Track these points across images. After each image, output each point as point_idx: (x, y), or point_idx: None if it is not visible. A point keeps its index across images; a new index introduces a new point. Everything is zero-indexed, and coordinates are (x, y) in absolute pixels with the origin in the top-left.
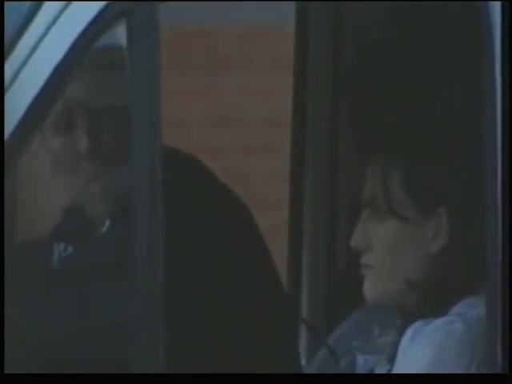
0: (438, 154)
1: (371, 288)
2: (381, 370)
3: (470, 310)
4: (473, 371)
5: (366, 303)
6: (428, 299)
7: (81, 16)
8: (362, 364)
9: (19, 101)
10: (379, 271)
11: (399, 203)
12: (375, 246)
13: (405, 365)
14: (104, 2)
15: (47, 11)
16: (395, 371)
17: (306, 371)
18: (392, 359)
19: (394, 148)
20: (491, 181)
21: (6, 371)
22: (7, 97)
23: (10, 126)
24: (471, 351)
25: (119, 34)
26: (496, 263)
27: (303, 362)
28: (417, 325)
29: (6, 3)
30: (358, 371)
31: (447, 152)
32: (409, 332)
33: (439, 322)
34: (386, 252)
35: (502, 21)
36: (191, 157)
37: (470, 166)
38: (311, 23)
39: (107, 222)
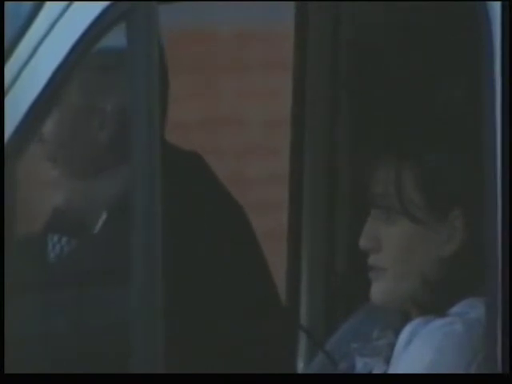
0: (453, 155)
1: (380, 291)
2: (379, 371)
3: (471, 311)
4: (472, 372)
5: (368, 304)
6: (432, 299)
7: (81, 18)
8: (361, 367)
9: (19, 102)
10: (390, 273)
11: (413, 204)
12: (386, 247)
13: (404, 366)
14: (104, 4)
15: (47, 13)
16: (393, 372)
17: None
18: (390, 360)
19: (408, 148)
20: (490, 181)
21: (6, 371)
22: (7, 98)
23: (10, 126)
24: (471, 352)
25: (119, 35)
26: (496, 263)
27: (302, 365)
28: (415, 324)
29: (6, 4)
30: None
31: (462, 153)
32: (406, 331)
33: (439, 322)
34: (398, 254)
35: (502, 21)
36: (194, 154)
37: (484, 167)
38: (310, 24)
39: (105, 221)
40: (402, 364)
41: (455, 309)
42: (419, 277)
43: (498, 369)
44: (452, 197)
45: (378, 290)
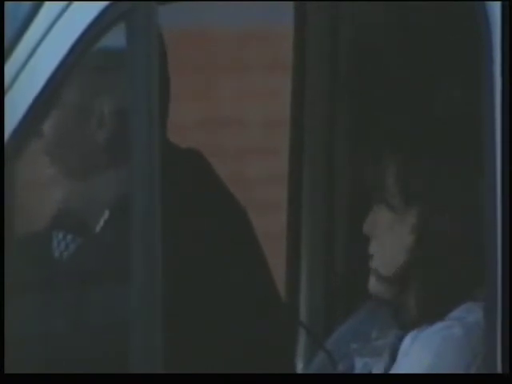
0: (432, 156)
1: (371, 279)
2: (378, 371)
3: (469, 315)
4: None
5: (368, 305)
6: (426, 303)
7: (80, 18)
8: (361, 367)
9: (19, 102)
10: (376, 262)
11: (390, 194)
12: (376, 233)
13: (404, 369)
14: (104, 4)
15: (46, 13)
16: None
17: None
18: (390, 363)
19: (397, 147)
20: (490, 185)
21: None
22: (7, 98)
23: (9, 127)
24: (470, 356)
25: (119, 35)
26: (495, 268)
27: (301, 365)
28: (415, 332)
29: (6, 4)
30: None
31: (442, 154)
32: (408, 338)
33: (437, 326)
34: (382, 241)
35: (502, 21)
36: (195, 152)
37: (466, 169)
38: (309, 24)
39: (105, 221)
40: (403, 367)
41: (454, 313)
42: (381, 265)
43: (498, 371)
44: (418, 194)
45: (369, 281)
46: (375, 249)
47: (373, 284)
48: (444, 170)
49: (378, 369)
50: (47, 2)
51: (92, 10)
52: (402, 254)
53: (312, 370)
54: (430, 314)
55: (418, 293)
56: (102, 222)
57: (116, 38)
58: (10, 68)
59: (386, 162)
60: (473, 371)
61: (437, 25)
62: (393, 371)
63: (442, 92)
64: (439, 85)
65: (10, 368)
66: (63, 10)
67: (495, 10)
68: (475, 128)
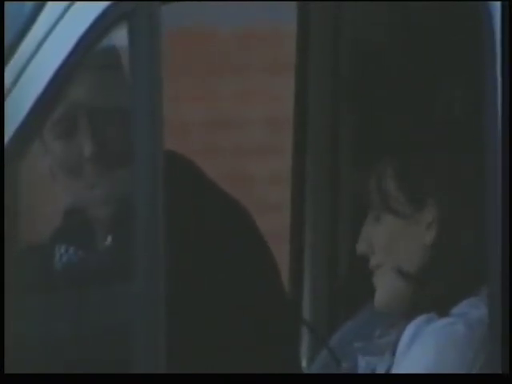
0: (426, 150)
1: (379, 291)
2: (381, 369)
3: (472, 311)
4: (475, 372)
5: (370, 305)
6: (429, 298)
7: (82, 18)
8: (364, 366)
9: (21, 103)
10: (383, 271)
11: (393, 199)
12: (377, 248)
13: (406, 366)
14: (106, 4)
15: (48, 14)
16: (396, 372)
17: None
18: (393, 361)
19: (387, 147)
20: (491, 182)
21: (6, 371)
22: (9, 99)
23: (11, 127)
24: (473, 353)
25: (121, 35)
26: (497, 264)
27: (304, 364)
28: (417, 324)
29: (7, 5)
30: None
31: (436, 147)
32: (409, 330)
33: (440, 323)
34: (388, 251)
35: (502, 21)
36: (187, 160)
37: (465, 162)
38: (312, 23)
39: (108, 225)
40: (405, 364)
41: (457, 309)
42: (403, 267)
43: (500, 370)
44: (425, 187)
45: (377, 293)
46: (379, 261)
47: (383, 299)
48: (446, 169)
49: (381, 367)
50: (49, 3)
51: (94, 10)
52: (417, 255)
53: (315, 369)
54: (434, 309)
55: (423, 289)
56: (107, 225)
57: (118, 37)
58: (12, 68)
59: (387, 163)
60: (476, 368)
61: (439, 25)
62: (396, 366)
63: (443, 92)
64: (441, 85)
65: (10, 368)
66: (65, 11)
67: (497, 10)
68: (477, 128)
